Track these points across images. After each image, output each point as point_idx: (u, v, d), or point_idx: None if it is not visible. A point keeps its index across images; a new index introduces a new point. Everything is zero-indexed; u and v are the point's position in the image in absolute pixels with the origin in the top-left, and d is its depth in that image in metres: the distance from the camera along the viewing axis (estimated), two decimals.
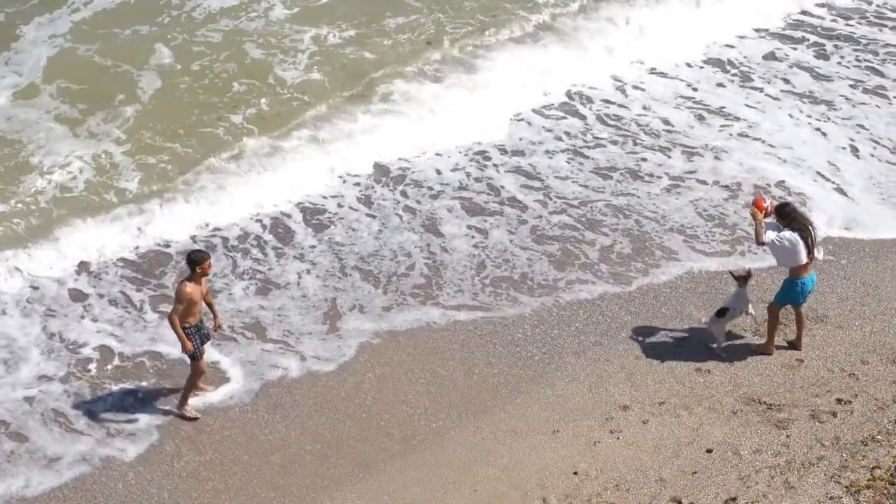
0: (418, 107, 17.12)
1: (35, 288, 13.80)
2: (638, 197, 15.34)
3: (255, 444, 11.71)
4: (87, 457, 11.60)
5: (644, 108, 17.36)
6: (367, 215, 15.13)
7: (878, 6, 20.15)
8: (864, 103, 17.30)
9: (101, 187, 15.42)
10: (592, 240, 14.54)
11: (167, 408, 12.12)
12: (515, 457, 11.33)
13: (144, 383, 12.47)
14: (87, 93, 17.27)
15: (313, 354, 12.82)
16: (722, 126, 16.84)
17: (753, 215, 11.96)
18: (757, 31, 19.40)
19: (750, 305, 12.52)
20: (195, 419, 11.93)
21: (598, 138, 16.63)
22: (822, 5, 20.08)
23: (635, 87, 17.90)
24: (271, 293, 13.79)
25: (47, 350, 12.92)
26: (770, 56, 18.68)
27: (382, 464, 11.43)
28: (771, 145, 16.34)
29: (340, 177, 15.85)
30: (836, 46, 18.89)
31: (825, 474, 10.73)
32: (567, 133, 16.77)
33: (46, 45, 18.32)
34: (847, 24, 19.57)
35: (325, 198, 15.47)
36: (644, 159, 16.12)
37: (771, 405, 11.65)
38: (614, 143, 16.53)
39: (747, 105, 17.35)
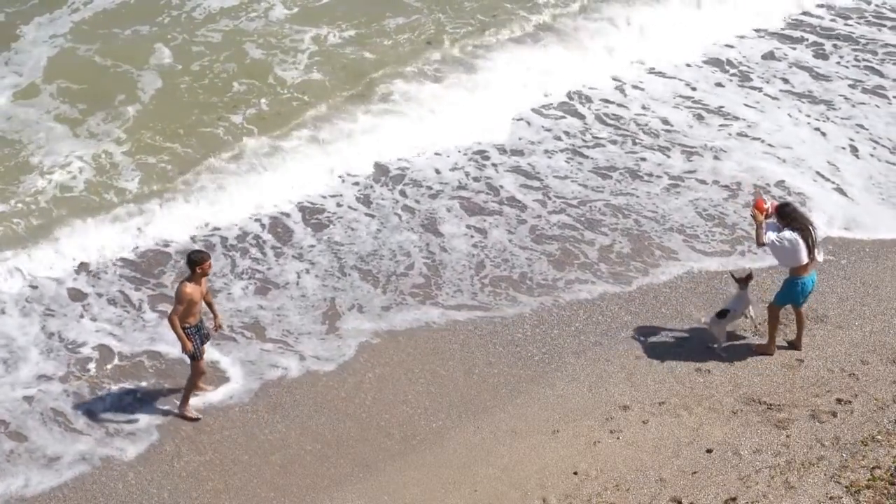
0: (418, 107, 17.12)
1: (34, 287, 13.80)
2: (637, 197, 15.34)
3: (255, 444, 11.71)
4: (87, 456, 11.59)
5: (643, 107, 17.36)
6: (367, 215, 15.13)
7: (876, 6, 20.15)
8: (863, 103, 17.30)
9: (101, 187, 15.42)
10: (592, 239, 14.54)
11: (167, 407, 12.12)
12: (515, 457, 11.33)
13: (144, 383, 12.47)
14: (87, 93, 17.27)
15: (313, 354, 12.82)
16: (721, 126, 16.85)
17: (754, 217, 11.97)
18: (757, 31, 19.41)
19: (750, 307, 12.53)
20: (196, 419, 11.93)
21: (597, 138, 16.64)
22: (822, 6, 20.08)
23: (634, 87, 17.90)
24: (270, 293, 13.79)
25: (46, 349, 12.91)
26: (769, 56, 18.68)
27: (382, 464, 11.43)
28: (770, 145, 16.34)
29: (340, 177, 15.86)
30: (835, 46, 18.89)
31: (825, 474, 10.73)
32: (566, 133, 16.78)
33: (47, 45, 18.32)
34: (846, 24, 19.58)
35: (324, 197, 15.47)
36: (643, 159, 16.13)
37: (771, 405, 11.65)
38: (613, 142, 16.54)
39: (746, 105, 17.36)
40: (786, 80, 17.96)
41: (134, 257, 14.34)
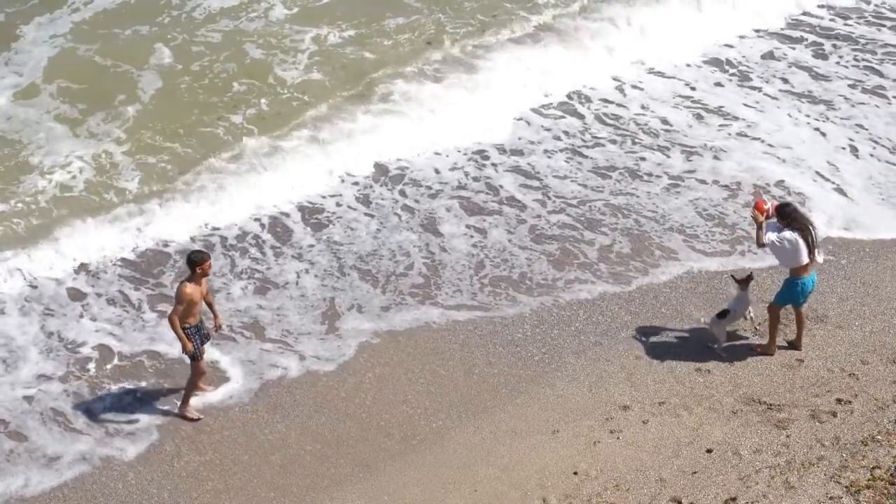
0: (418, 107, 17.12)
1: (34, 287, 13.80)
2: (637, 196, 15.34)
3: (255, 444, 11.71)
4: (87, 456, 11.59)
5: (642, 107, 17.36)
6: (366, 214, 15.13)
7: (876, 6, 20.15)
8: (863, 103, 17.31)
9: (101, 187, 15.42)
10: (592, 239, 14.54)
11: (166, 407, 12.12)
12: (515, 457, 11.33)
13: (143, 383, 12.47)
14: (87, 93, 17.27)
15: (313, 354, 12.82)
16: (721, 125, 16.85)
17: (754, 218, 11.97)
18: (756, 31, 19.41)
19: (750, 308, 12.54)
20: (197, 420, 11.92)
21: (596, 137, 16.64)
22: (824, 6, 20.07)
23: (634, 87, 17.90)
24: (269, 293, 13.79)
25: (46, 349, 12.91)
26: (769, 55, 18.68)
27: (382, 464, 11.43)
28: (770, 145, 16.34)
29: (340, 177, 15.85)
30: (834, 46, 18.89)
31: (825, 474, 10.73)
32: (566, 132, 16.78)
33: (47, 45, 18.32)
34: (846, 24, 19.58)
35: (323, 197, 15.47)
36: (643, 158, 16.13)
37: (771, 405, 11.65)
38: (613, 142, 16.54)
39: (746, 105, 17.36)
40: (785, 80, 17.97)
41: (133, 257, 14.34)
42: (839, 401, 11.65)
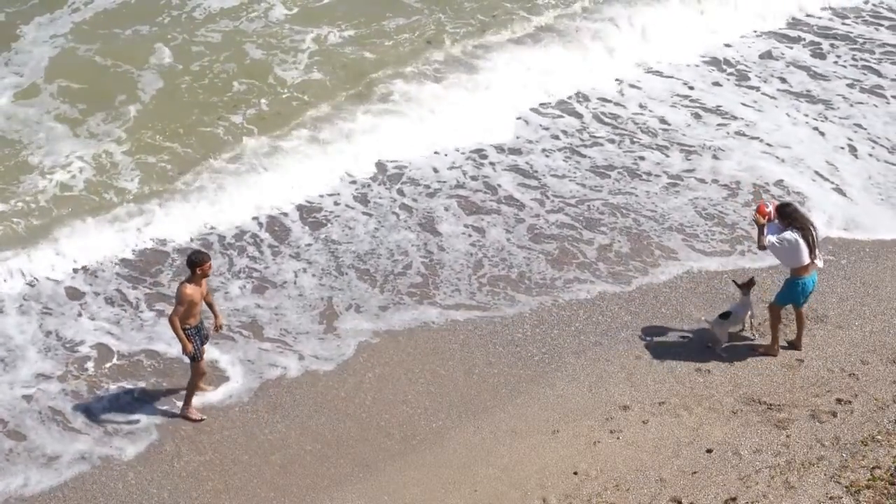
0: (418, 107, 17.12)
1: (32, 286, 13.79)
2: (636, 196, 15.34)
3: (255, 444, 11.71)
4: (86, 456, 11.59)
5: (641, 106, 17.37)
6: (364, 214, 15.13)
7: (874, 5, 20.16)
8: (861, 103, 17.32)
9: (101, 187, 15.41)
10: (591, 239, 14.54)
11: (166, 407, 12.11)
12: (515, 457, 11.33)
13: (142, 382, 12.46)
14: (87, 93, 17.27)
15: (312, 354, 12.82)
16: (719, 125, 16.85)
17: (756, 221, 11.98)
18: (755, 30, 19.42)
19: (751, 310, 12.56)
20: (200, 420, 11.91)
21: (595, 137, 16.64)
22: (826, 8, 20.06)
23: (632, 86, 17.91)
24: (268, 292, 13.78)
25: (45, 348, 12.91)
26: (767, 55, 18.69)
27: (382, 464, 11.42)
28: (769, 144, 16.34)
29: (340, 177, 15.85)
30: (832, 45, 18.90)
31: (825, 474, 10.73)
32: (564, 132, 16.78)
33: (47, 45, 18.32)
34: (844, 24, 19.59)
35: (321, 196, 15.46)
36: (642, 158, 16.13)
37: (771, 405, 11.65)
38: (612, 141, 16.54)
39: (744, 104, 17.36)
40: (784, 80, 17.97)
41: (133, 257, 14.33)
42: (839, 401, 11.65)
